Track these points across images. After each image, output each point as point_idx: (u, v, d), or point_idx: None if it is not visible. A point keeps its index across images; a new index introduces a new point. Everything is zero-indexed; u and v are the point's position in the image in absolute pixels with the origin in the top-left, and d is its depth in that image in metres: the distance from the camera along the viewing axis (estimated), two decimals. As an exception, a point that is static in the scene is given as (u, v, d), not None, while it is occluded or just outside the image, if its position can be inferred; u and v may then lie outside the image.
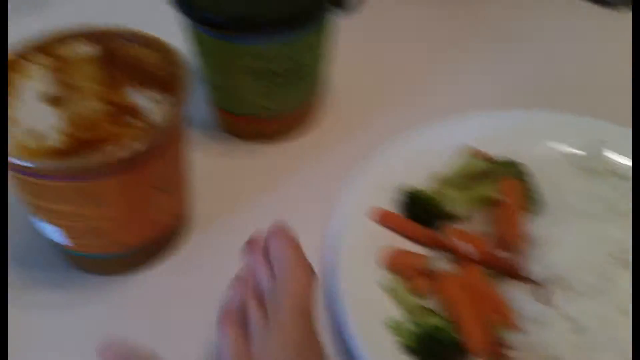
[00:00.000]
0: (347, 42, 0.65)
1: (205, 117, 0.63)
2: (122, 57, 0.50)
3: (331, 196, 0.54)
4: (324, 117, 0.65)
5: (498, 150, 0.57)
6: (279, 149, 0.62)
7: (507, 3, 0.79)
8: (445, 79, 0.69)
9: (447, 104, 0.65)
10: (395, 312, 0.47)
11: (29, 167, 0.40)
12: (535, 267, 0.47)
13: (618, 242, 0.48)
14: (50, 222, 0.46)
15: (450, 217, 0.51)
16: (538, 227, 0.49)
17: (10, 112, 0.47)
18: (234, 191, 0.58)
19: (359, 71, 0.70)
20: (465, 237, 0.48)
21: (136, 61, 0.50)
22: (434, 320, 0.44)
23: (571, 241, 0.48)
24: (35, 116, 0.50)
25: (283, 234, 0.40)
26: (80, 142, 0.54)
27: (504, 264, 0.48)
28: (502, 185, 0.51)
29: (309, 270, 0.39)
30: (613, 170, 0.57)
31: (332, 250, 0.49)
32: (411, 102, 0.66)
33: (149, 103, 0.52)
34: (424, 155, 0.57)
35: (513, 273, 0.48)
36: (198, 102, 0.62)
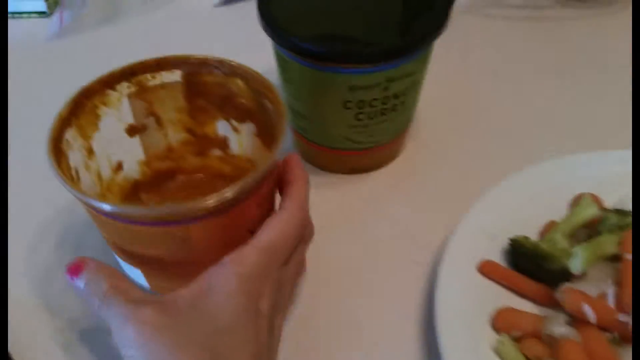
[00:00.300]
0: (438, 66, 0.61)
1: (288, 146, 0.59)
2: (209, 86, 0.47)
3: (428, 237, 0.50)
4: (413, 148, 0.60)
5: (611, 196, 0.52)
6: (366, 181, 0.57)
7: (610, 30, 0.73)
8: (547, 112, 0.64)
9: (550, 139, 0.60)
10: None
11: (113, 212, 0.37)
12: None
13: None
14: (133, 264, 0.43)
15: (564, 273, 0.45)
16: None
17: (89, 143, 0.44)
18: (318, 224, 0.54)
19: (450, 98, 0.65)
20: (584, 298, 0.43)
21: (225, 91, 0.47)
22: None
23: None
24: (116, 146, 0.47)
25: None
26: (160, 174, 0.51)
27: (626, 329, 0.42)
28: (623, 238, 0.45)
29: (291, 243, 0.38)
30: None
31: (435, 305, 0.45)
32: (506, 136, 0.61)
33: (236, 135, 0.49)
34: (533, 200, 0.52)
35: (626, 338, 0.42)
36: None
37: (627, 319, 0.42)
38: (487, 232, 0.50)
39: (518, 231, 0.49)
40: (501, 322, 0.44)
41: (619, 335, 0.43)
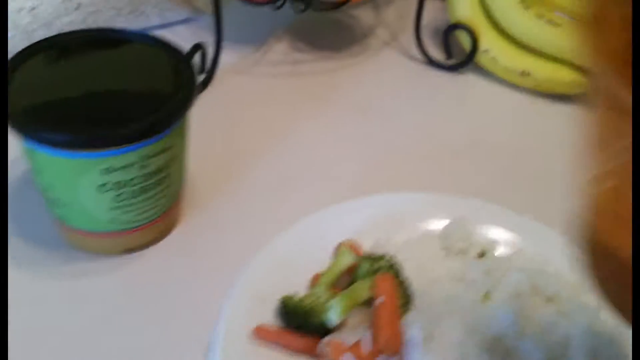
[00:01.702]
0: (200, 128, 0.62)
1: (49, 234, 0.57)
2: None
3: (207, 312, 0.51)
4: (192, 215, 0.61)
5: (369, 241, 0.57)
6: (145, 257, 0.57)
7: (355, 72, 0.80)
8: (320, 162, 0.68)
9: (322, 188, 0.64)
10: None
11: None
12: (418, 369, 0.46)
13: (494, 332, 0.49)
14: None
15: (326, 325, 0.49)
16: (418, 326, 0.48)
17: None
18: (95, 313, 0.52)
19: (223, 159, 0.67)
20: (344, 348, 0.46)
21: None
22: None
23: (450, 336, 0.48)
24: None
25: None
26: None
27: (388, 370, 0.47)
28: (378, 283, 0.50)
29: None
30: (480, 249, 0.58)
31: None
32: (282, 191, 0.64)
33: None
34: (301, 255, 0.55)
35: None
36: (39, 217, 0.56)
37: (385, 359, 0.47)
38: (258, 295, 0.52)
39: (288, 289, 0.52)
40: (276, 385, 0.47)
41: (379, 377, 0.48)
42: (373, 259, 0.52)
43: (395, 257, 0.53)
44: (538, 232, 0.60)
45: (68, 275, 0.55)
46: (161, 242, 0.58)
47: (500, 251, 0.59)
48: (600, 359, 0.49)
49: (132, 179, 0.50)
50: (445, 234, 0.59)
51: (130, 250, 0.56)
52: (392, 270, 0.51)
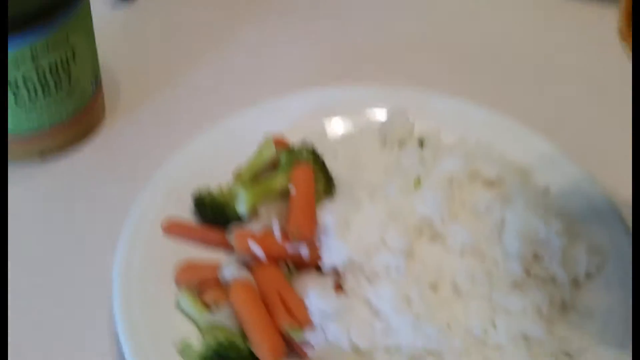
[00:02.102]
0: (135, 33, 0.59)
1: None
2: None
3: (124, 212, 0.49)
4: (111, 120, 0.58)
5: (299, 134, 0.53)
6: (58, 166, 0.55)
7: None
8: (243, 59, 0.65)
9: (250, 87, 0.61)
10: (191, 334, 0.42)
11: None
12: (331, 256, 0.43)
13: (420, 216, 0.46)
14: None
15: (239, 217, 0.46)
16: (334, 212, 0.45)
17: None
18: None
19: (143, 63, 0.64)
20: (250, 236, 0.44)
21: None
22: (221, 336, 0.40)
23: (369, 222, 0.45)
24: None
25: None
26: None
27: (296, 258, 0.44)
28: (293, 173, 0.47)
29: None
30: (418, 138, 0.54)
31: (122, 272, 0.44)
32: (206, 89, 0.61)
33: None
34: (221, 152, 0.52)
35: (307, 266, 0.44)
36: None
37: (294, 248, 0.44)
38: (177, 189, 0.49)
39: (208, 185, 0.49)
40: (181, 276, 0.44)
41: (293, 265, 0.45)
42: (292, 150, 0.49)
43: (318, 149, 0.50)
44: (487, 118, 0.56)
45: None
46: (83, 145, 0.56)
47: (442, 140, 0.55)
48: (535, 244, 0.45)
49: (26, 77, 0.48)
50: (385, 124, 0.55)
51: (44, 154, 0.54)
52: (312, 159, 0.48)
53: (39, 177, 0.54)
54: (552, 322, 0.43)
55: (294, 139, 0.53)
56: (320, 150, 0.51)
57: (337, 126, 0.56)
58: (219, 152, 0.52)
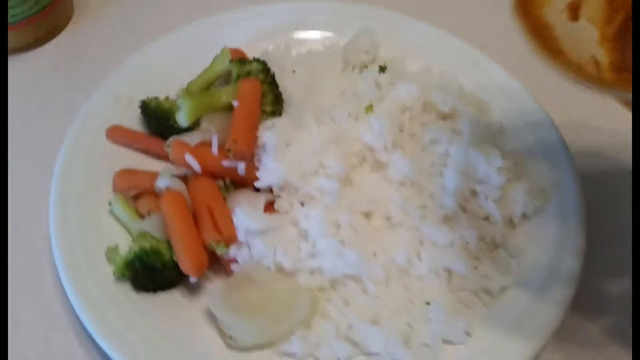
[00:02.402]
0: None
1: None
2: None
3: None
4: (78, 20, 0.57)
5: (261, 49, 0.52)
6: (21, 63, 0.55)
7: None
8: None
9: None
10: (122, 240, 0.43)
11: None
12: (266, 176, 0.43)
13: (364, 144, 0.45)
14: None
15: (180, 128, 0.46)
16: (276, 131, 0.45)
17: None
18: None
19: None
20: (187, 148, 0.43)
21: None
22: (147, 244, 0.41)
23: (310, 145, 0.44)
24: None
25: None
26: None
27: (232, 174, 0.44)
28: (239, 87, 0.46)
29: None
30: (380, 61, 0.53)
31: (61, 173, 0.44)
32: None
33: None
34: (178, 61, 0.51)
35: (241, 182, 0.44)
36: None
37: (232, 164, 0.44)
38: (127, 96, 0.49)
39: (158, 94, 0.49)
40: (119, 183, 0.45)
41: (230, 181, 0.45)
42: (244, 62, 0.48)
43: (275, 63, 0.49)
44: (456, 48, 0.54)
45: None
46: (45, 46, 0.55)
47: (406, 67, 0.53)
48: (473, 181, 0.45)
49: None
50: (348, 45, 0.53)
51: (17, 50, 0.54)
52: (263, 75, 0.47)
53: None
54: (478, 259, 0.43)
55: (255, 53, 0.51)
56: (278, 66, 0.50)
57: (301, 43, 0.55)
58: (176, 60, 0.51)
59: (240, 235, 0.42)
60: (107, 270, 0.41)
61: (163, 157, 0.46)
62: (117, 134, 0.47)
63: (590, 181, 0.48)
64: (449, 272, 0.42)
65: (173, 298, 0.41)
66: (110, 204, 0.44)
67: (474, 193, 0.45)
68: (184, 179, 0.44)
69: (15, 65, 0.54)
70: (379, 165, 0.45)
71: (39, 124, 0.52)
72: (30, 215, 0.47)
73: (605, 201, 0.49)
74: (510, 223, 0.45)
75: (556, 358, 0.42)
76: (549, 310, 0.40)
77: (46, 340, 0.42)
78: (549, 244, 0.43)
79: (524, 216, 0.45)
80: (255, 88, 0.46)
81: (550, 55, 0.32)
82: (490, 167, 0.45)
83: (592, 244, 0.43)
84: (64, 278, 0.40)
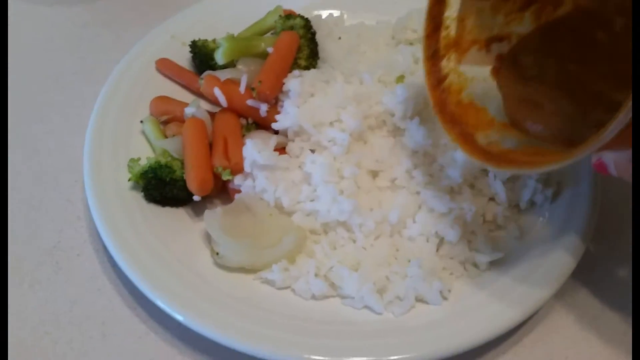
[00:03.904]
0: None
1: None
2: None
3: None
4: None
5: (310, 15, 0.55)
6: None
7: None
8: None
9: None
10: (145, 154, 0.47)
11: None
12: (284, 119, 0.46)
13: (385, 108, 0.46)
14: None
15: (220, 68, 0.49)
16: (303, 80, 0.47)
17: None
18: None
19: None
20: (217, 83, 0.46)
21: None
22: (163, 159, 0.44)
23: (332, 98, 0.46)
24: None
25: None
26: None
27: (254, 113, 0.46)
28: (279, 37, 0.49)
29: None
30: (413, 41, 0.54)
31: (107, 92, 0.49)
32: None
33: None
34: (236, 12, 0.55)
35: (262, 123, 0.47)
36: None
37: (255, 104, 0.46)
38: (178, 37, 0.53)
39: (206, 36, 0.52)
40: (154, 107, 0.49)
41: (252, 121, 0.48)
42: (288, 17, 0.51)
43: (324, 25, 0.52)
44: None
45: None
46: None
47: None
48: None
49: None
50: (399, 21, 0.55)
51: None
52: (304, 30, 0.50)
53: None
54: (474, 234, 0.43)
55: (310, 15, 0.54)
56: (327, 31, 0.52)
57: (356, 15, 0.57)
58: (234, 14, 0.55)
59: (247, 166, 0.44)
60: (126, 179, 0.45)
61: (200, 94, 0.50)
62: (164, 65, 0.51)
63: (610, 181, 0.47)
64: (440, 239, 0.43)
65: (177, 215, 0.45)
66: (142, 122, 0.48)
67: (484, 171, 0.45)
68: (213, 115, 0.47)
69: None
70: (396, 132, 0.47)
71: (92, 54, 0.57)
72: (73, 125, 0.52)
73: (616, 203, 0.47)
74: (516, 207, 0.45)
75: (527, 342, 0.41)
76: (532, 294, 0.39)
77: (61, 232, 0.46)
78: (551, 235, 0.42)
79: (532, 203, 0.45)
80: (292, 40, 0.49)
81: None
82: (504, 149, 0.44)
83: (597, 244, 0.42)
84: (86, 178, 0.44)
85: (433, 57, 0.42)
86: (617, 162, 0.33)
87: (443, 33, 0.42)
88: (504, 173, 0.44)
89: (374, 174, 0.45)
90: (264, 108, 0.46)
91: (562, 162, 0.32)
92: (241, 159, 0.44)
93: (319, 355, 0.37)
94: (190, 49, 0.52)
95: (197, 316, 0.38)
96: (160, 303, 0.39)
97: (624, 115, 0.28)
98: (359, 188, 0.44)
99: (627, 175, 0.32)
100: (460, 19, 0.42)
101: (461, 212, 0.43)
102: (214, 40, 0.51)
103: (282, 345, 0.37)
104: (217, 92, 0.46)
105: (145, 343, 0.41)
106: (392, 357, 0.37)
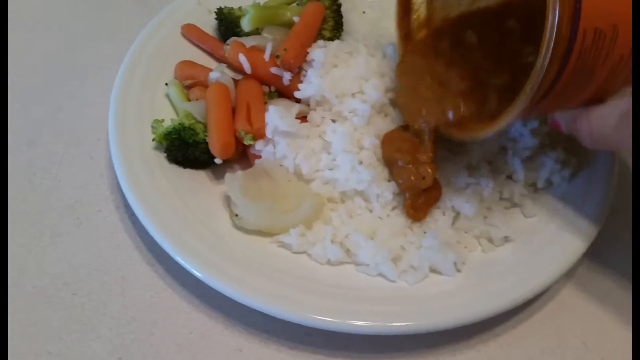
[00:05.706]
0: None
1: None
2: None
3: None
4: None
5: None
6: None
7: None
8: None
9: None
10: (168, 116, 0.47)
11: None
12: (307, 88, 0.46)
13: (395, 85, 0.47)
14: None
15: (245, 35, 0.50)
16: (327, 50, 0.47)
17: None
18: None
19: None
20: (242, 49, 0.47)
21: None
22: (186, 121, 0.45)
23: (355, 70, 0.46)
24: None
25: None
26: None
27: (277, 81, 0.47)
28: (304, 7, 0.49)
29: None
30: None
31: (134, 53, 0.49)
32: None
33: None
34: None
35: (285, 92, 0.47)
36: None
37: (279, 72, 0.47)
38: (205, 4, 0.53)
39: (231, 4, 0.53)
40: (179, 71, 0.49)
41: (275, 89, 0.48)
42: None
43: (344, 1, 0.52)
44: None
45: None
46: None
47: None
48: (504, 138, 0.45)
49: None
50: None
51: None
52: (329, 1, 0.50)
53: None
54: (490, 209, 0.44)
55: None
56: (352, 4, 0.53)
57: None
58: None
59: (268, 132, 0.45)
60: (149, 139, 0.45)
61: (225, 61, 0.50)
62: (190, 31, 0.51)
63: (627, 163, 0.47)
64: (457, 213, 0.43)
65: (198, 177, 0.45)
66: (167, 84, 0.48)
67: (503, 149, 0.45)
68: (236, 83, 0.48)
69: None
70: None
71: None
72: (96, 86, 0.52)
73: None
74: (533, 185, 0.45)
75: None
76: (544, 271, 0.40)
77: (83, 189, 0.47)
78: (566, 214, 0.43)
79: (549, 182, 0.45)
80: (318, 10, 0.49)
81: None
82: (525, 128, 0.45)
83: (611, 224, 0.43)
84: (111, 137, 0.45)
85: (406, 37, 0.46)
86: (565, 119, 0.38)
87: (414, 15, 0.46)
88: (524, 152, 0.45)
89: (394, 147, 0.46)
90: (287, 76, 0.47)
91: (490, 129, 0.36)
92: (263, 124, 0.45)
93: (329, 317, 0.37)
94: (216, 16, 0.52)
95: (214, 273, 0.39)
96: (179, 259, 0.39)
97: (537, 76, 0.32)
98: (378, 160, 0.44)
99: (574, 130, 0.37)
100: (429, 1, 0.46)
101: (478, 188, 0.44)
102: (239, 8, 0.52)
103: (294, 305, 0.38)
104: (242, 58, 0.47)
105: (163, 298, 0.41)
106: (399, 323, 0.38)
